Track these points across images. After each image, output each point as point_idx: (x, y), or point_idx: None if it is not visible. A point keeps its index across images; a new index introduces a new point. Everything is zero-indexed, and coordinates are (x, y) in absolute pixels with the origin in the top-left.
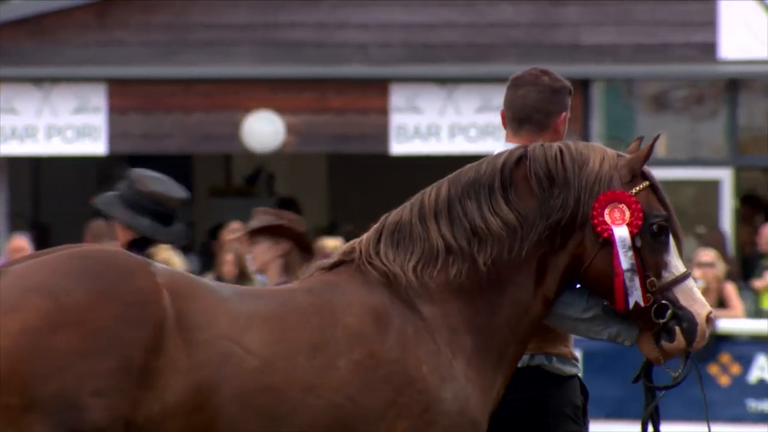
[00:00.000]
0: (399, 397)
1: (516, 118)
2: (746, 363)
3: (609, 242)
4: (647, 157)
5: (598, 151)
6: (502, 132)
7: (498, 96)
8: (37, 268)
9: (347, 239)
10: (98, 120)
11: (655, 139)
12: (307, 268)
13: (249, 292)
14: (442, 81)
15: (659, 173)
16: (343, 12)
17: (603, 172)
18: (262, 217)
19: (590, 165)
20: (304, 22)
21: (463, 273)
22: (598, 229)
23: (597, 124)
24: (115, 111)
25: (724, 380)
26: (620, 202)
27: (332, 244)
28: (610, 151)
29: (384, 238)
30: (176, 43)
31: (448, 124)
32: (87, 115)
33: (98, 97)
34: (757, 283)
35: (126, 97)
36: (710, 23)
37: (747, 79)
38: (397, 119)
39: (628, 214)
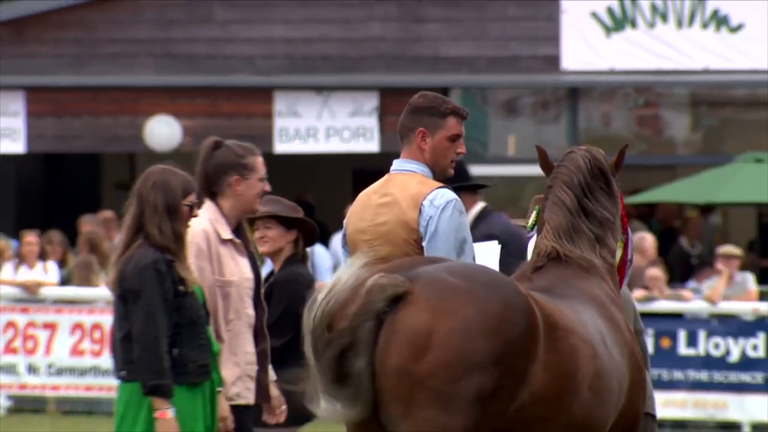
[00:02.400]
0: (636, 376)
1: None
2: None
3: (624, 237)
4: (621, 166)
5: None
6: (373, 133)
7: (368, 102)
8: (454, 275)
9: None
10: (17, 123)
11: (624, 148)
12: (520, 266)
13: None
14: (319, 89)
15: (510, 170)
16: (232, 28)
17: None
18: (277, 205)
19: (605, 165)
20: (197, 37)
21: (608, 258)
22: (625, 224)
23: None
24: (32, 115)
25: None
26: (621, 204)
27: None
28: None
29: (560, 236)
30: (85, 56)
31: (324, 127)
32: (8, 118)
33: (17, 103)
34: None
35: (42, 103)
36: (554, 38)
37: (586, 88)
38: (279, 122)
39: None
